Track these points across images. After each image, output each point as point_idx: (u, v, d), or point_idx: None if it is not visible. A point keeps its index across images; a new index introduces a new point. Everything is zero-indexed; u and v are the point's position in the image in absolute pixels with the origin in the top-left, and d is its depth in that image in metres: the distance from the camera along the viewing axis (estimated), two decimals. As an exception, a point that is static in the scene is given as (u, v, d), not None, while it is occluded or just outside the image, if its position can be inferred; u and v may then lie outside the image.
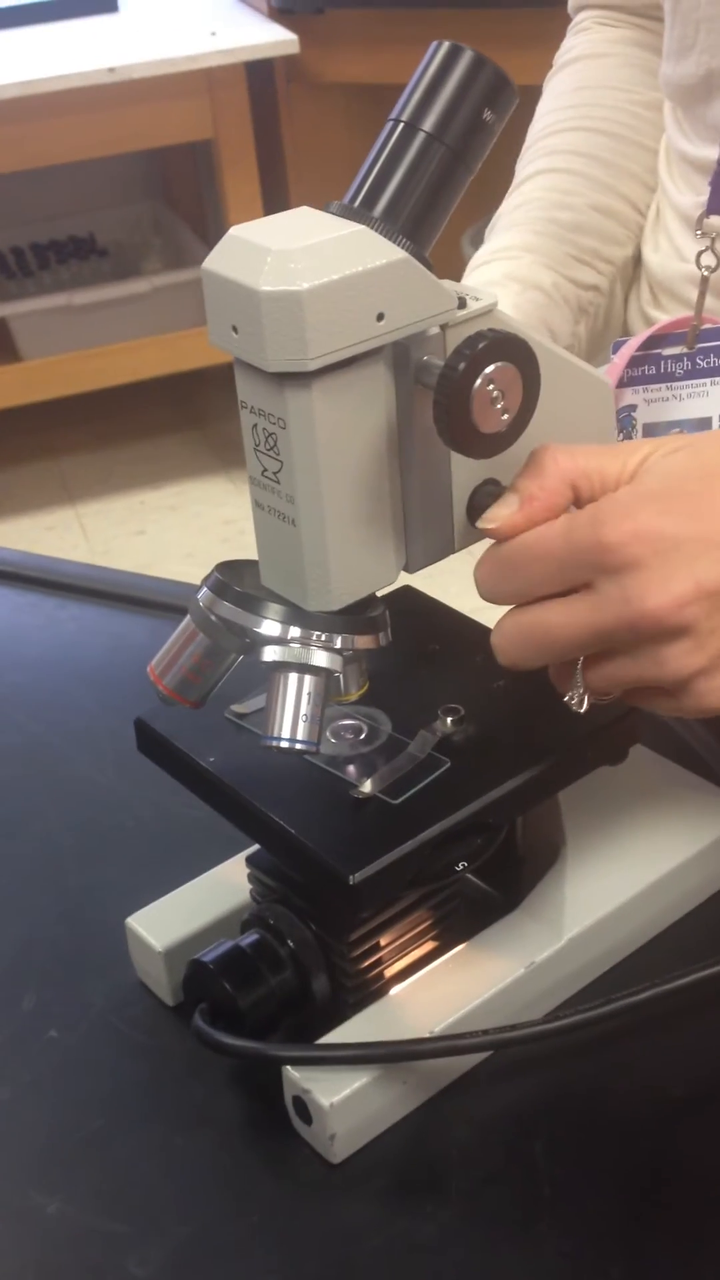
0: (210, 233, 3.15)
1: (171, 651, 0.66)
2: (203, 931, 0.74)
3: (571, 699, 0.62)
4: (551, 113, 0.96)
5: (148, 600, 1.08)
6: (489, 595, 0.62)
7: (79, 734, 0.96)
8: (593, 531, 0.58)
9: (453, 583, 0.79)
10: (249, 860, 0.72)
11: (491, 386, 0.59)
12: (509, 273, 0.87)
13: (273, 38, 2.68)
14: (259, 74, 2.77)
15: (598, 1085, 0.70)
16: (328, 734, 0.70)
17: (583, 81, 0.97)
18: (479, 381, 0.59)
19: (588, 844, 0.75)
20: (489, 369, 0.59)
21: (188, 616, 0.65)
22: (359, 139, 2.91)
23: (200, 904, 0.75)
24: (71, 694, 1.00)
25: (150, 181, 3.32)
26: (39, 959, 0.79)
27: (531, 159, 0.95)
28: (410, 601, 0.78)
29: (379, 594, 0.66)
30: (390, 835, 0.63)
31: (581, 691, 0.62)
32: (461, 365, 0.59)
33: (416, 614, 0.77)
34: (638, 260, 0.95)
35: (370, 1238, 0.65)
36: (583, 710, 0.62)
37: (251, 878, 0.73)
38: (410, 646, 0.74)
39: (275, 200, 2.85)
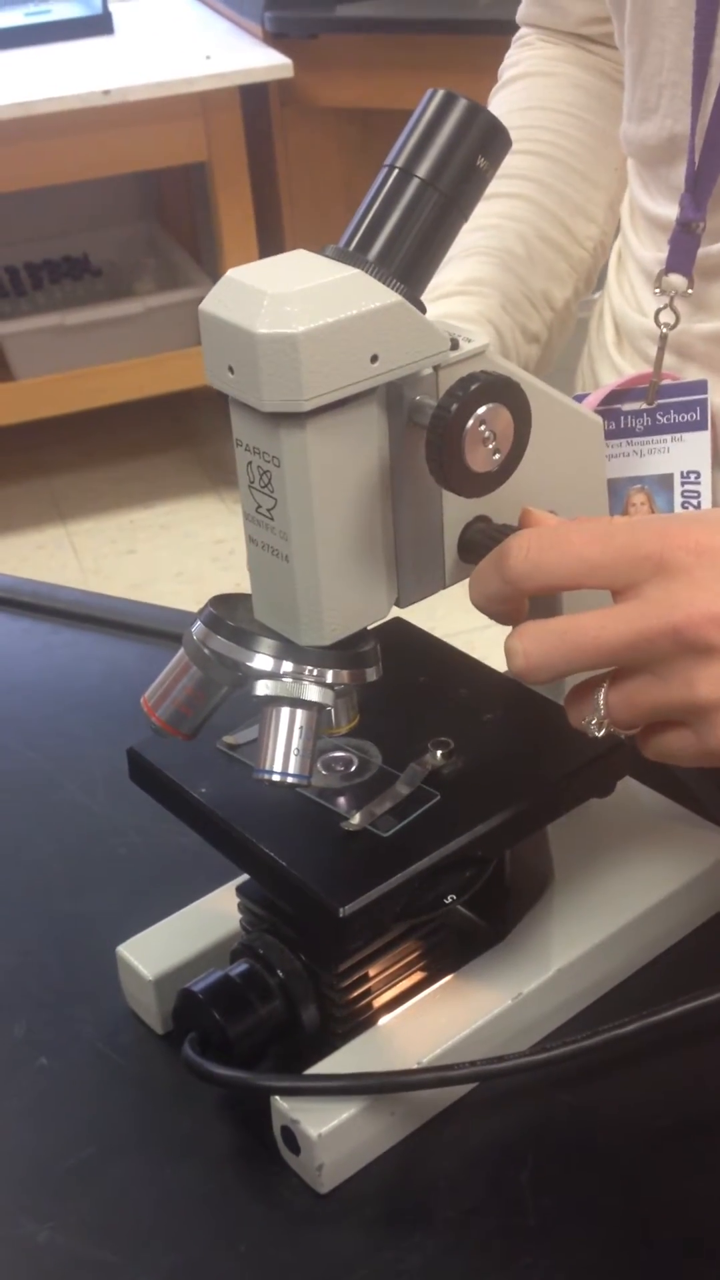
0: (204, 254, 3.17)
1: (165, 684, 0.67)
2: (193, 960, 0.75)
3: (589, 722, 0.60)
4: None
5: (143, 627, 1.08)
6: (515, 580, 0.59)
7: (72, 760, 0.97)
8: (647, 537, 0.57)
9: (440, 603, 0.79)
10: (239, 890, 0.73)
11: (483, 427, 0.61)
12: (483, 311, 0.86)
13: (267, 62, 2.69)
14: (253, 97, 2.78)
15: (584, 1116, 0.71)
16: (319, 766, 0.70)
17: (530, 101, 0.97)
18: (471, 422, 0.60)
19: (576, 876, 0.76)
20: (481, 410, 0.60)
21: (181, 649, 0.66)
22: (352, 162, 2.94)
23: (190, 933, 0.76)
24: (65, 720, 1.01)
25: (145, 202, 3.34)
26: (30, 986, 0.79)
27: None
28: (401, 634, 0.79)
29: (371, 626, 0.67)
30: (379, 868, 0.64)
31: (602, 715, 0.60)
32: (454, 406, 0.60)
33: (407, 646, 0.78)
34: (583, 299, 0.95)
35: (358, 1268, 0.65)
36: (600, 735, 0.60)
37: (242, 907, 0.74)
38: (401, 679, 0.75)
39: (268, 222, 2.87)
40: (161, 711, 0.67)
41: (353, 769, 0.70)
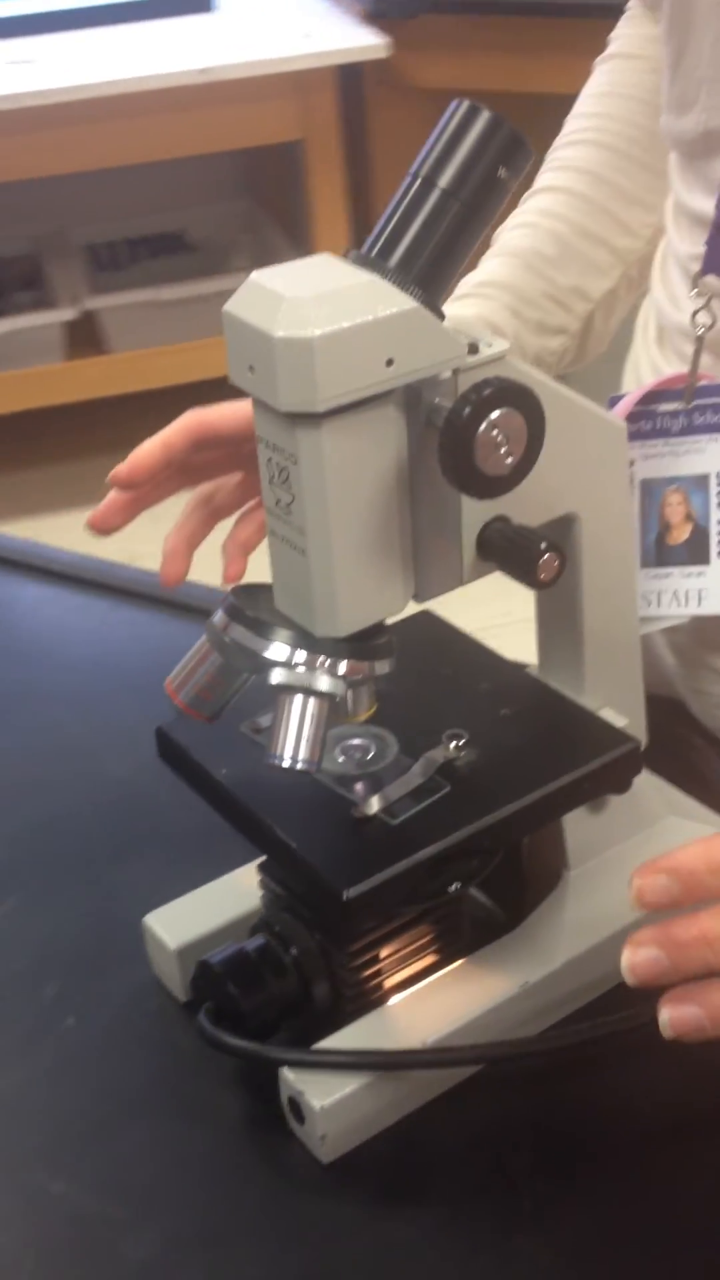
0: (298, 232, 3.18)
1: (187, 668, 0.69)
2: (215, 933, 0.77)
3: (675, 1017, 0.60)
4: (575, 118, 0.99)
5: (202, 609, 1.11)
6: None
7: (120, 736, 1.00)
8: None
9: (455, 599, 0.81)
10: (260, 868, 0.76)
11: (495, 432, 0.62)
12: (480, 314, 0.90)
13: (365, 41, 2.70)
14: (349, 76, 2.79)
15: (585, 1106, 0.72)
16: (336, 752, 0.73)
17: (609, 87, 0.99)
18: (483, 426, 0.62)
19: (590, 868, 0.78)
20: (494, 414, 0.62)
21: (204, 635, 0.69)
22: (447, 143, 2.93)
23: (215, 906, 0.79)
24: (115, 697, 1.04)
25: (241, 180, 3.37)
26: (64, 951, 0.83)
27: (546, 168, 0.98)
28: (428, 627, 0.81)
29: (397, 618, 0.69)
30: (385, 855, 0.66)
31: (699, 1013, 0.60)
32: (466, 410, 0.61)
33: (434, 639, 0.80)
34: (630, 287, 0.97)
35: (353, 1236, 0.68)
36: (669, 1036, 0.60)
37: (263, 884, 0.76)
38: (425, 670, 0.77)
39: (361, 201, 2.88)
40: (183, 694, 0.69)
41: (369, 756, 0.73)
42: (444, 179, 0.62)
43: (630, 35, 1.02)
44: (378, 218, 0.64)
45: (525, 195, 0.98)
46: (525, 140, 0.63)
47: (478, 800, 0.69)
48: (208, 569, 0.92)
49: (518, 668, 0.78)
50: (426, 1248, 0.67)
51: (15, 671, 1.10)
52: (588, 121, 0.99)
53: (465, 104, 0.63)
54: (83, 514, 0.88)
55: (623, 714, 0.77)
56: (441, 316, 0.63)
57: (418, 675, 0.77)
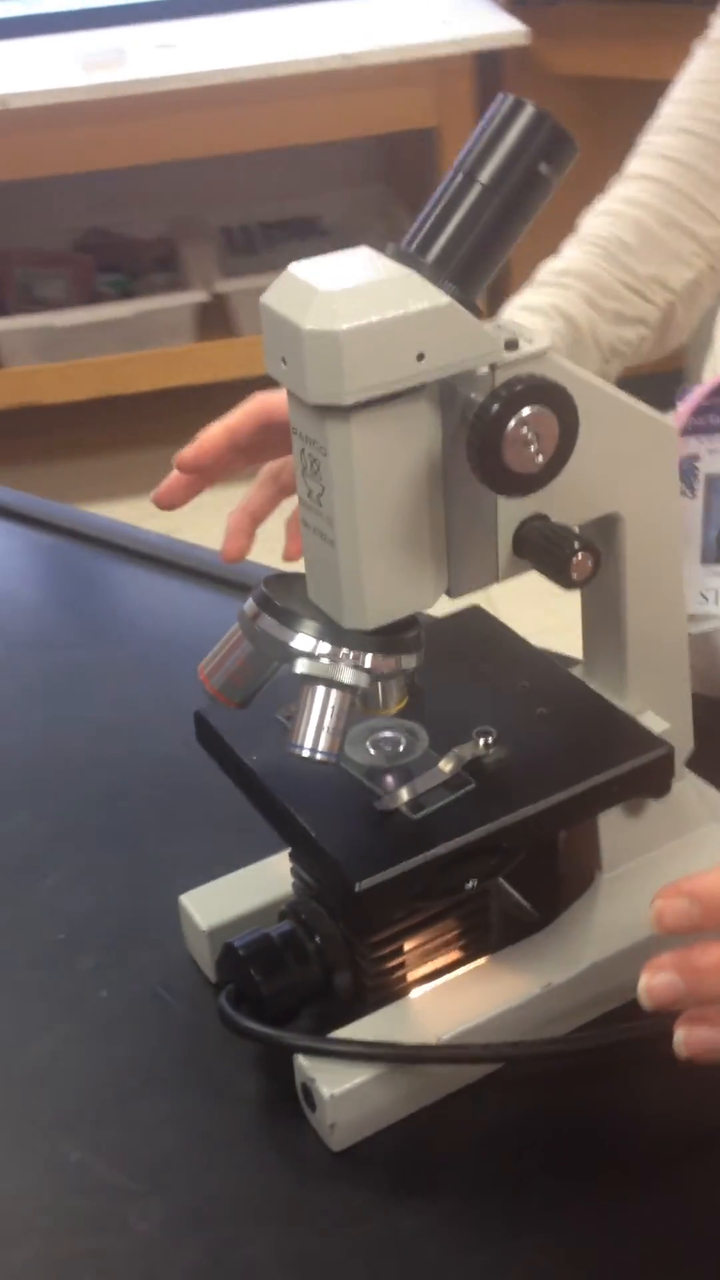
0: (432, 218, 3.18)
1: (220, 654, 0.70)
2: (247, 916, 0.78)
3: (690, 1039, 0.60)
4: (671, 104, 0.98)
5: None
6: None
7: (182, 716, 1.00)
8: None
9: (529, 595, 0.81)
10: (291, 855, 0.76)
11: (525, 429, 0.62)
12: (556, 303, 0.90)
13: (505, 28, 2.69)
14: (486, 63, 2.78)
15: (600, 1113, 0.72)
16: (367, 744, 0.73)
17: (706, 73, 0.97)
18: (512, 423, 0.61)
19: (625, 872, 0.77)
20: (524, 411, 0.61)
21: (236, 623, 0.69)
22: (583, 132, 2.90)
23: (249, 890, 0.80)
24: (183, 677, 1.05)
25: (376, 165, 3.37)
26: (105, 924, 0.85)
27: (636, 154, 0.97)
28: (477, 622, 0.81)
29: (446, 613, 0.68)
30: (402, 849, 0.66)
31: (713, 1036, 0.59)
32: (495, 406, 0.61)
33: (480, 635, 0.80)
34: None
35: (356, 1224, 0.68)
36: (683, 1056, 0.60)
37: (294, 871, 0.77)
38: (466, 666, 0.77)
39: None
40: (215, 680, 0.70)
41: (400, 749, 0.73)
42: (485, 174, 0.62)
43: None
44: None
45: (613, 180, 0.97)
46: (570, 137, 0.62)
47: (501, 799, 0.68)
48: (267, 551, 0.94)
49: (561, 668, 0.77)
50: (428, 1242, 0.67)
51: (97, 648, 1.12)
52: (680, 109, 0.97)
53: (510, 98, 0.62)
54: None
55: (666, 718, 0.76)
56: (478, 312, 0.62)
57: (459, 670, 0.77)
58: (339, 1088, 0.69)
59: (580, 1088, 0.72)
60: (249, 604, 0.68)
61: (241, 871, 0.81)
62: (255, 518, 0.91)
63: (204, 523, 1.14)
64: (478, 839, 0.67)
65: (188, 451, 0.88)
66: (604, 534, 0.73)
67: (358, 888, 0.65)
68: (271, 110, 2.76)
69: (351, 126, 2.88)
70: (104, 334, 2.94)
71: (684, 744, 0.79)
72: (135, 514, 1.30)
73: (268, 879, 0.80)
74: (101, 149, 2.76)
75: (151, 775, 0.96)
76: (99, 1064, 0.76)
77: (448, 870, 0.67)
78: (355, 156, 3.30)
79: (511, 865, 0.70)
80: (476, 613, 0.81)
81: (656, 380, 0.92)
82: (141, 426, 3.09)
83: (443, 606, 0.72)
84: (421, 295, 0.60)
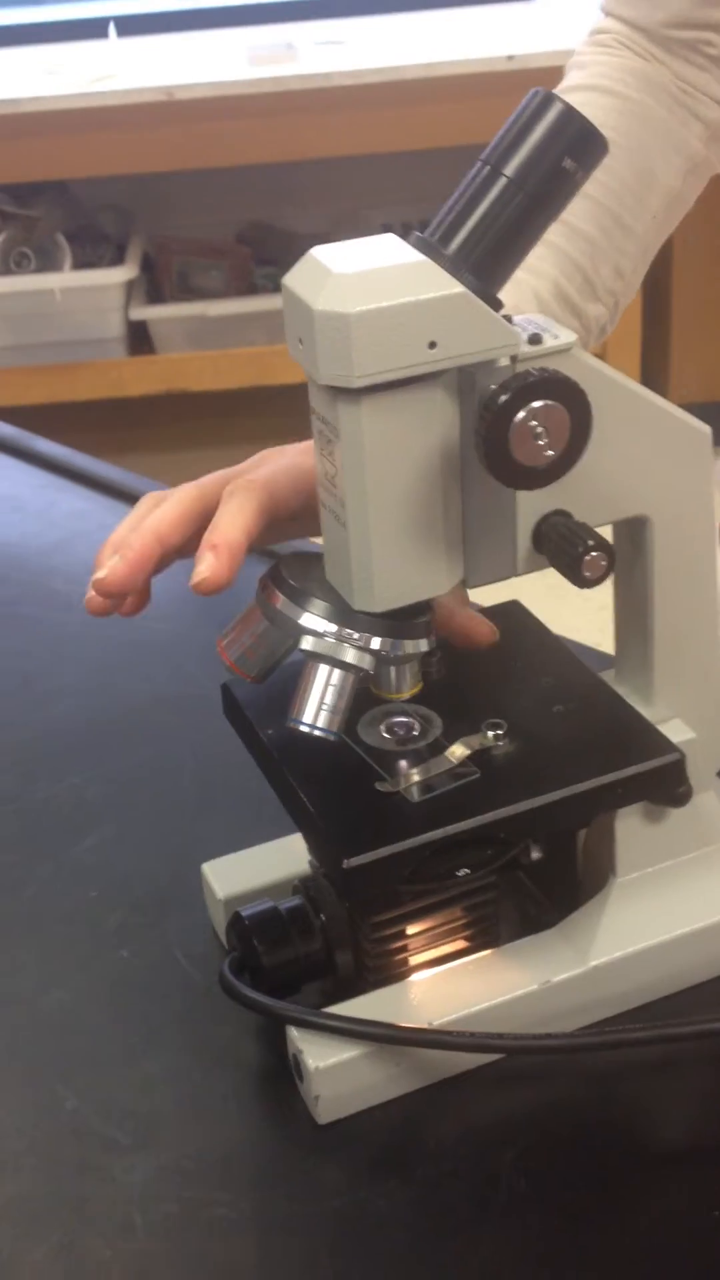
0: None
1: (236, 628, 0.72)
2: (263, 888, 0.80)
3: None
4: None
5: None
6: None
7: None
8: None
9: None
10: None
11: (534, 422, 0.62)
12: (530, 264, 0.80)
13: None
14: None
15: (584, 1114, 0.71)
16: (381, 728, 0.74)
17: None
18: (521, 415, 0.62)
19: (639, 878, 0.76)
20: (534, 405, 0.62)
21: (253, 599, 0.71)
22: None
23: (268, 863, 0.81)
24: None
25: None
26: (134, 887, 0.87)
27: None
28: (512, 616, 0.81)
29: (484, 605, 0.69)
30: (394, 831, 0.67)
31: None
32: (503, 397, 0.61)
33: (513, 629, 0.80)
34: None
35: (331, 1198, 0.69)
36: None
37: (309, 848, 0.78)
38: (492, 658, 0.77)
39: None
40: (231, 653, 0.72)
41: (412, 734, 0.73)
42: (510, 167, 0.62)
43: (605, 65, 0.91)
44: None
45: None
46: (598, 134, 0.62)
47: (500, 791, 0.69)
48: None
49: (587, 668, 0.77)
50: (395, 1223, 0.67)
51: (170, 624, 1.15)
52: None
53: (541, 93, 0.62)
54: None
55: (694, 727, 0.76)
56: (497, 305, 0.63)
57: (485, 662, 0.77)
58: (325, 1061, 0.70)
59: (569, 1089, 0.72)
60: (263, 579, 0.69)
61: (264, 845, 0.83)
62: (165, 543, 0.72)
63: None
64: (470, 828, 0.67)
65: (113, 573, 0.71)
66: (634, 537, 0.72)
67: (345, 864, 0.66)
68: (436, 110, 2.77)
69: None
70: (256, 325, 2.99)
71: (713, 755, 0.78)
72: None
73: (288, 854, 0.81)
74: (266, 142, 2.81)
75: (201, 748, 0.98)
76: (107, 1019, 0.79)
77: (438, 856, 0.67)
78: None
79: (506, 858, 0.70)
80: (514, 607, 0.82)
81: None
82: (287, 420, 3.13)
83: (485, 596, 0.72)
84: (435, 283, 0.61)
